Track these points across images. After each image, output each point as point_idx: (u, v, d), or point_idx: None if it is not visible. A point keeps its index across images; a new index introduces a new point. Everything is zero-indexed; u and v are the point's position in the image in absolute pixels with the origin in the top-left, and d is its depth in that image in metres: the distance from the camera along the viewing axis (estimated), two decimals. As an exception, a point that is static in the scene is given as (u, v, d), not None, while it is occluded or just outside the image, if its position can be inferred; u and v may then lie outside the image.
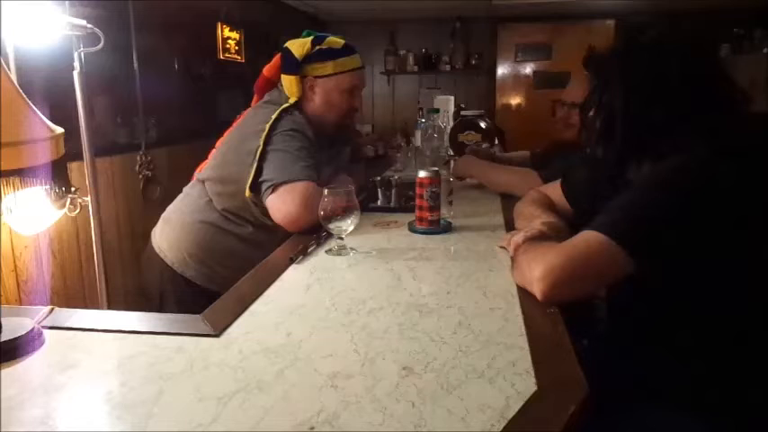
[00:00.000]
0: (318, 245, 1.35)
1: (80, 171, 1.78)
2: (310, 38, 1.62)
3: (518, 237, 1.16)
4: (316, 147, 1.59)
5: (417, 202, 1.46)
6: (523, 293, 1.03)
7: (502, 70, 5.28)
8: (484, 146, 2.35)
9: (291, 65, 1.62)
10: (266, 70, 1.72)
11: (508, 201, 1.74)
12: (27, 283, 1.80)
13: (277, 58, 1.68)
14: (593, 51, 1.17)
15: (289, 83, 1.62)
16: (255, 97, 1.77)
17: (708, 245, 0.95)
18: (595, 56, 1.17)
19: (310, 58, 1.61)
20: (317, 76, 1.63)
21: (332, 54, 1.63)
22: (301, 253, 1.27)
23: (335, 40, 1.65)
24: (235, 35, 3.48)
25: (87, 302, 2.08)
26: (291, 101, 1.61)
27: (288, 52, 1.62)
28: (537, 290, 0.97)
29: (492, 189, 1.97)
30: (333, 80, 1.64)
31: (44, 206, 0.96)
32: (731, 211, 0.95)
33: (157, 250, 1.66)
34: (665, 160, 0.99)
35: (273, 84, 1.72)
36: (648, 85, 1.05)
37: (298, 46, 1.61)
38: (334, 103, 1.66)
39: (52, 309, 0.97)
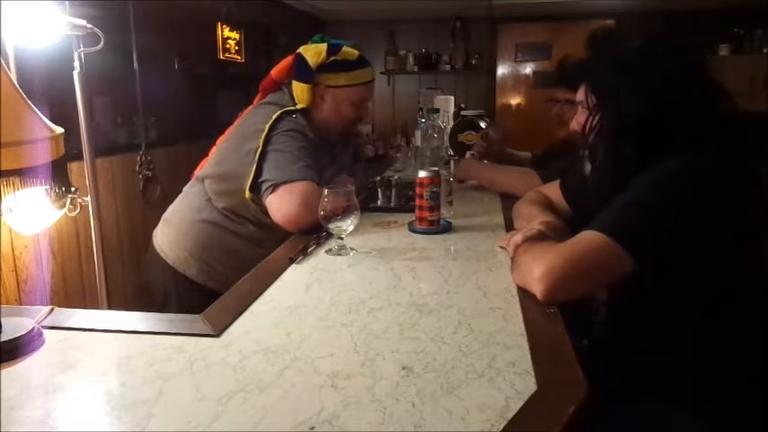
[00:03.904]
0: (318, 245, 1.35)
1: (80, 171, 1.77)
2: (325, 45, 1.60)
3: (517, 237, 1.16)
4: (316, 147, 1.59)
5: (417, 202, 1.46)
6: (523, 293, 1.03)
7: (502, 70, 5.27)
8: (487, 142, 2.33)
9: (305, 73, 1.60)
10: (274, 72, 1.70)
11: (508, 201, 1.74)
12: (27, 283, 1.80)
13: (286, 60, 1.67)
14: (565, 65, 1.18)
15: (300, 90, 1.61)
16: (258, 96, 1.76)
17: (707, 245, 0.95)
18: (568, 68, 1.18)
19: (324, 67, 1.60)
20: (328, 86, 1.63)
21: (346, 66, 1.62)
22: (301, 253, 1.27)
23: (350, 51, 1.64)
24: (235, 35, 3.48)
25: (87, 302, 2.08)
26: (299, 107, 1.61)
27: (302, 59, 1.60)
28: (537, 290, 0.97)
29: (492, 189, 1.97)
30: (344, 91, 1.64)
31: (44, 206, 0.96)
32: (730, 210, 0.95)
33: (159, 251, 1.66)
34: (664, 161, 0.99)
35: (279, 85, 1.71)
36: (626, 93, 1.05)
37: (312, 54, 1.59)
38: (342, 113, 1.66)
39: (52, 309, 0.97)
